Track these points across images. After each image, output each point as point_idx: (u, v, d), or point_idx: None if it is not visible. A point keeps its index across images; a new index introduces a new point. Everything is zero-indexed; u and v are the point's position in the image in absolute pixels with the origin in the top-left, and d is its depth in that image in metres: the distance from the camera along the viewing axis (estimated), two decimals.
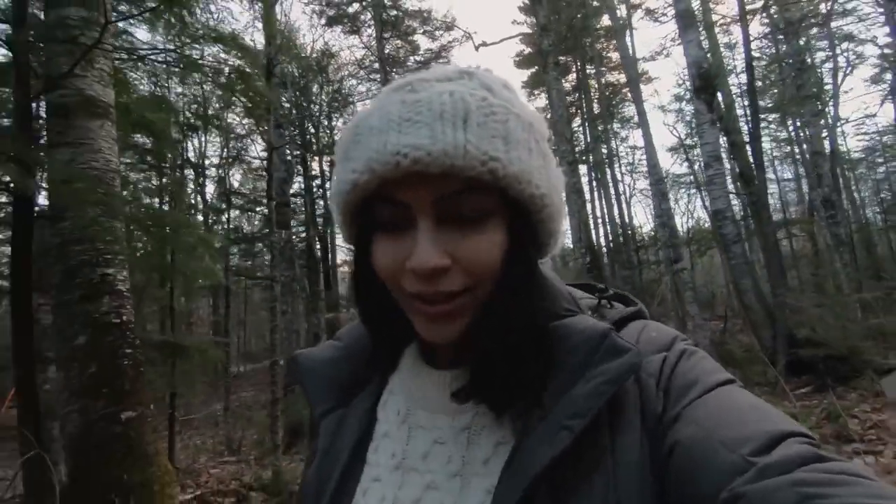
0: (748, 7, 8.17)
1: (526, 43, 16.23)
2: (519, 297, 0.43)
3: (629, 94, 14.46)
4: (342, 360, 0.54)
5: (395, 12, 12.94)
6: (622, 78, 15.37)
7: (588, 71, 16.74)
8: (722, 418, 0.37)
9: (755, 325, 6.37)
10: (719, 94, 7.44)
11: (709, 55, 7.24)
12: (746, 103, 8.73)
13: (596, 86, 16.59)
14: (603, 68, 16.16)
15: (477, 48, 11.42)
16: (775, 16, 10.16)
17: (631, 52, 12.03)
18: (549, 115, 8.12)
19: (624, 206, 15.95)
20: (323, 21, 12.45)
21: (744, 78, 10.30)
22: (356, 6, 12.94)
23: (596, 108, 16.89)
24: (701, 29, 7.45)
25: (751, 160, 7.18)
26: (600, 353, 0.42)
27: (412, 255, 0.40)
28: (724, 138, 7.14)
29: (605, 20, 13.81)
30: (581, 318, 0.46)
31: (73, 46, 2.23)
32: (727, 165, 7.86)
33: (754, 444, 0.34)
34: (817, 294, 7.69)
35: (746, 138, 7.41)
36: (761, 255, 9.65)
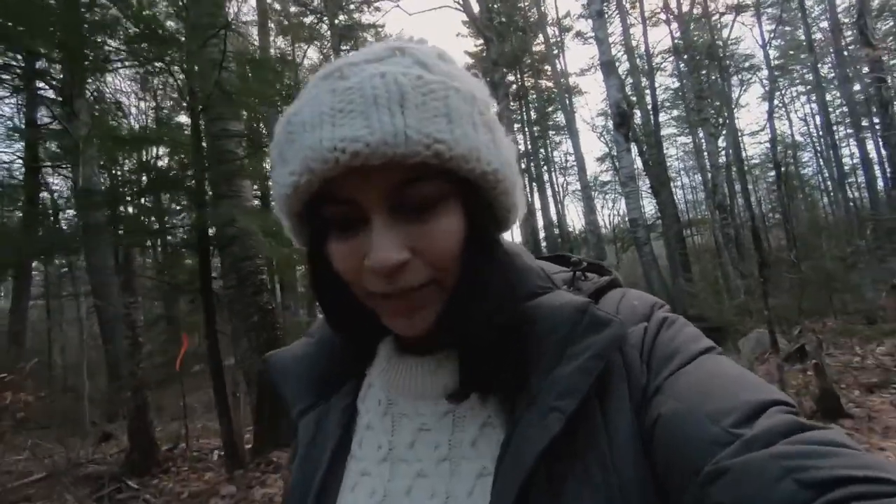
0: (655, 50, 10.47)
1: (475, 60, 17.99)
2: (486, 277, 0.43)
3: (560, 106, 16.80)
4: (316, 356, 0.53)
5: (349, 21, 14.23)
6: (554, 88, 17.74)
7: (525, 81, 18.95)
8: (703, 389, 0.38)
9: None
10: (637, 124, 9.66)
11: (629, 96, 9.41)
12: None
13: (533, 94, 18.80)
14: (540, 81, 18.40)
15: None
16: (682, 59, 12.71)
17: (561, 68, 14.23)
18: None
19: (558, 206, 18.34)
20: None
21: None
22: (312, 18, 14.09)
23: (533, 114, 19.16)
24: (623, 69, 9.63)
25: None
26: (582, 327, 0.41)
27: (370, 254, 0.39)
28: (640, 160, 9.35)
29: (540, 43, 15.97)
30: (557, 293, 0.46)
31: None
32: (640, 183, 10.14)
33: (736, 415, 0.35)
34: (707, 282, 10.20)
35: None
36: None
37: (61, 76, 7.53)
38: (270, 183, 0.46)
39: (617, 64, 9.66)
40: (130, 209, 4.32)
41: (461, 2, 10.06)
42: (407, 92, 0.38)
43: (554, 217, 16.49)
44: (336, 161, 0.37)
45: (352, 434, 0.49)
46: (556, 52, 13.92)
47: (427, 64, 0.41)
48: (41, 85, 8.87)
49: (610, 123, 16.57)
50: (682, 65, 11.47)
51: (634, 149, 9.04)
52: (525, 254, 0.51)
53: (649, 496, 0.38)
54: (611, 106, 8.69)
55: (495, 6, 11.54)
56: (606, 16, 8.82)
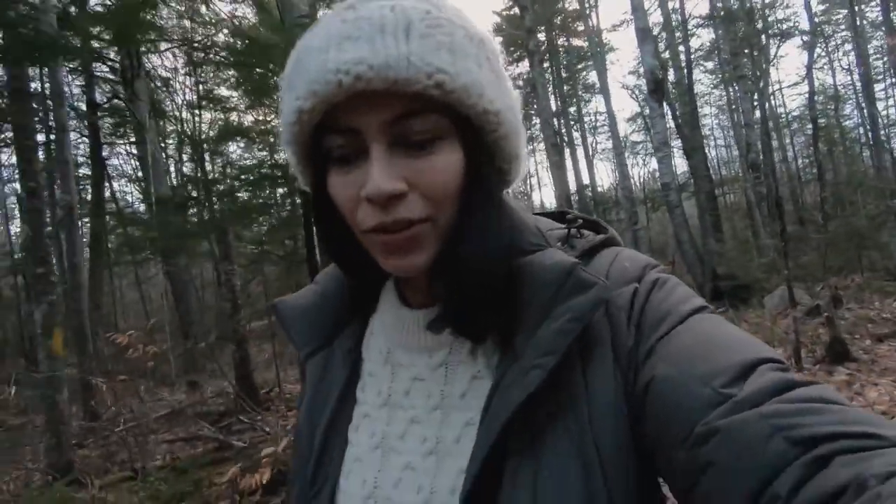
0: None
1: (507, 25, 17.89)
2: (482, 222, 0.43)
3: (592, 64, 16.75)
4: (321, 302, 0.56)
5: None
6: (586, 45, 17.60)
7: (555, 39, 18.77)
8: (694, 351, 0.38)
9: (690, 266, 9.15)
10: (671, 82, 9.90)
11: (664, 59, 9.62)
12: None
13: (562, 52, 18.67)
14: (571, 40, 18.23)
15: None
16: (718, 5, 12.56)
17: (594, 24, 14.20)
18: (535, 105, 10.26)
19: (589, 166, 18.57)
20: None
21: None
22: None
23: (564, 73, 19.07)
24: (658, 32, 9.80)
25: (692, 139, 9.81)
26: (566, 288, 0.42)
27: (366, 183, 0.40)
28: (673, 123, 9.67)
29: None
30: (549, 252, 0.46)
31: None
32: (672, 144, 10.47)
33: (726, 375, 0.36)
34: (735, 242, 10.64)
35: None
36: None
37: (119, 58, 8.23)
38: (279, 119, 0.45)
39: (651, 25, 9.83)
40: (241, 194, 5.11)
41: None
42: (413, 22, 0.39)
43: (585, 178, 16.83)
44: (339, 83, 0.38)
45: (356, 377, 0.52)
46: (587, 9, 13.88)
47: (438, 4, 0.42)
48: (102, 67, 9.61)
49: (642, 83, 16.55)
50: (716, 21, 11.41)
51: (667, 112, 9.36)
52: (522, 210, 0.52)
53: (626, 456, 0.39)
54: (645, 72, 8.97)
55: None
56: None
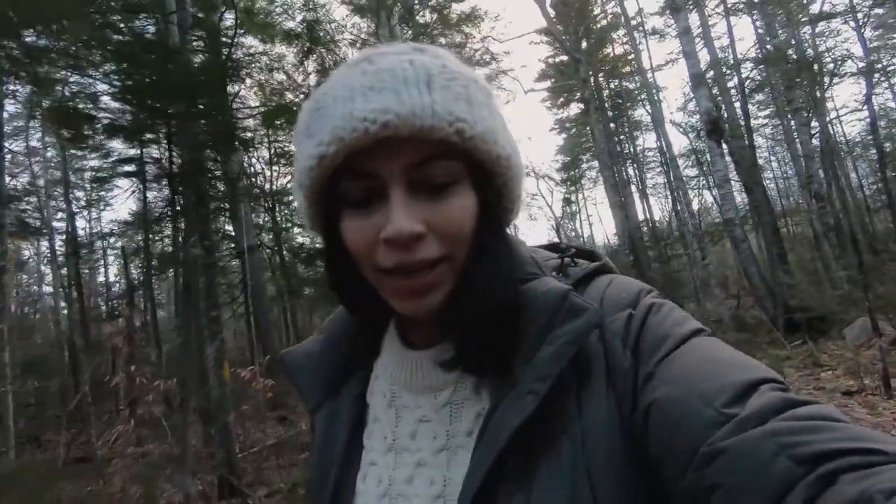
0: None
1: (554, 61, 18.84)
2: (493, 262, 0.45)
3: (640, 97, 17.30)
4: (327, 352, 0.57)
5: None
6: (629, 85, 18.22)
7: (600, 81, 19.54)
8: (695, 372, 0.39)
9: (760, 299, 9.28)
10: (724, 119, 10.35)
11: (718, 101, 10.14)
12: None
13: (606, 92, 19.37)
14: (617, 81, 18.95)
15: (526, 93, 14.15)
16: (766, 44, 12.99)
17: (643, 65, 14.85)
18: (593, 148, 10.85)
19: (643, 202, 18.82)
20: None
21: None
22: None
23: (610, 112, 19.71)
24: (710, 76, 10.35)
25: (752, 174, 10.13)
26: (561, 314, 0.43)
27: (387, 225, 0.41)
28: (732, 162, 10.06)
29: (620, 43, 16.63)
30: (543, 280, 0.48)
31: None
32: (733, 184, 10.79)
33: (727, 395, 0.36)
34: (805, 273, 10.64)
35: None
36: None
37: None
38: (294, 166, 0.47)
39: (702, 66, 10.40)
40: None
41: (549, 29, 11.19)
42: (433, 75, 0.42)
43: (639, 214, 17.07)
44: (366, 131, 0.40)
45: (363, 426, 0.53)
46: (638, 51, 14.61)
47: (447, 60, 0.46)
48: None
49: (692, 119, 16.93)
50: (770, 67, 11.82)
51: (725, 149, 9.77)
52: (519, 242, 0.54)
53: (620, 479, 0.40)
54: (701, 115, 9.48)
55: (578, 26, 12.54)
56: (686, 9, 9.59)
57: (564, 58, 14.53)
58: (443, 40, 16.34)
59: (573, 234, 25.73)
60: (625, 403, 0.41)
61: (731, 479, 0.33)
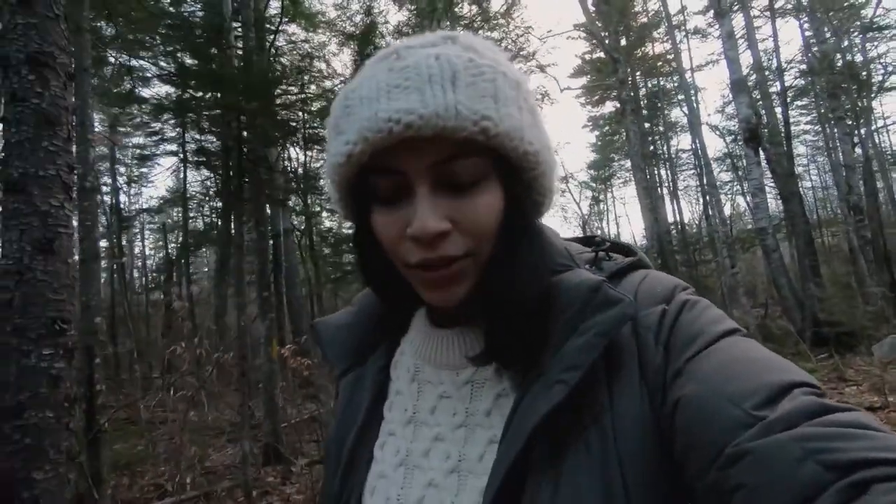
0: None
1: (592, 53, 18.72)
2: (519, 255, 0.46)
3: (677, 98, 17.07)
4: (356, 324, 0.59)
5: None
6: (667, 85, 17.97)
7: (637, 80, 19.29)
8: (725, 372, 0.38)
9: (788, 310, 9.28)
10: (763, 125, 10.29)
11: (757, 107, 10.07)
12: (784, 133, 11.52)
13: (643, 91, 19.13)
14: (656, 80, 18.71)
15: (562, 90, 14.19)
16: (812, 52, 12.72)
17: (689, 62, 14.68)
18: (626, 148, 10.86)
19: (674, 204, 18.66)
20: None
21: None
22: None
23: (644, 112, 19.46)
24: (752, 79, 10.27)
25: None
26: (593, 305, 0.43)
27: (412, 222, 0.42)
28: (767, 167, 10.01)
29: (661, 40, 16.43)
30: (576, 272, 0.48)
31: None
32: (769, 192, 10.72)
33: (759, 397, 0.35)
34: (837, 286, 10.55)
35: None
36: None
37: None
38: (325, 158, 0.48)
39: (745, 71, 10.32)
40: None
41: (588, 27, 11.20)
42: (459, 71, 0.42)
43: (669, 216, 16.90)
44: (390, 131, 0.40)
45: (384, 396, 0.54)
46: (670, 51, 14.45)
47: (478, 50, 0.46)
48: None
49: (730, 123, 16.68)
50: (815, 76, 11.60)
51: (762, 156, 9.73)
52: (552, 234, 0.54)
53: (651, 473, 0.39)
54: (740, 122, 9.45)
55: (618, 23, 12.47)
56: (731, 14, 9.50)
57: (601, 54, 14.46)
58: (482, 34, 16.40)
59: (599, 232, 25.62)
60: (655, 398, 0.41)
61: (756, 480, 0.32)
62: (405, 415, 0.51)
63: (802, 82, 12.99)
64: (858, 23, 11.85)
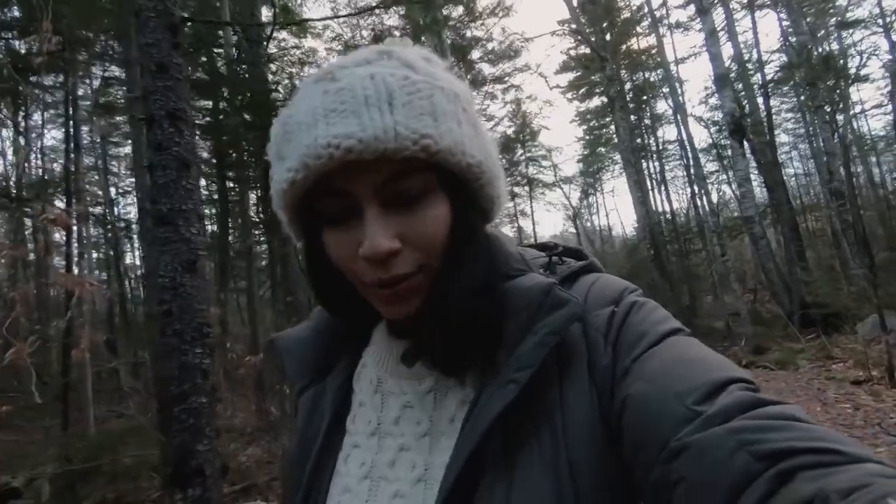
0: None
1: (575, 52, 19.11)
2: (467, 264, 0.47)
3: (662, 90, 17.55)
4: (316, 339, 0.58)
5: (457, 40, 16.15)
6: (652, 76, 18.43)
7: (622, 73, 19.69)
8: (669, 370, 0.40)
9: (777, 294, 9.79)
10: (746, 115, 10.78)
11: (741, 97, 10.54)
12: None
13: (628, 84, 19.56)
14: (639, 74, 19.16)
15: (551, 88, 14.46)
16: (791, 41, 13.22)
17: (673, 55, 15.13)
18: (615, 142, 11.22)
19: (663, 194, 19.15)
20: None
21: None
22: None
23: (630, 103, 19.90)
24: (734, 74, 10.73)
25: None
26: (544, 307, 0.45)
27: (364, 244, 0.43)
28: (754, 161, 10.50)
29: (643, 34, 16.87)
30: (529, 276, 0.49)
31: None
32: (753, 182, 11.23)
33: (698, 393, 0.38)
34: (822, 270, 11.09)
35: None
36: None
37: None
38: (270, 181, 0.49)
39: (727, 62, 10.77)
40: None
41: (577, 27, 11.57)
42: (395, 91, 0.42)
43: (659, 206, 17.29)
44: (330, 157, 0.41)
45: (347, 410, 0.54)
46: (654, 45, 14.89)
47: (413, 65, 0.46)
48: None
49: (714, 114, 17.20)
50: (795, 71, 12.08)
51: (747, 148, 10.20)
52: (507, 240, 0.55)
53: (600, 472, 0.41)
54: (724, 116, 9.92)
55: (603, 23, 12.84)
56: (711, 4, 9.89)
57: (586, 50, 14.83)
58: (468, 33, 16.73)
59: (588, 224, 26.13)
60: (604, 397, 0.43)
61: (695, 472, 0.34)
62: (369, 426, 0.52)
63: (782, 74, 13.51)
64: (834, 17, 12.37)
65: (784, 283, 9.72)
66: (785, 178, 13.46)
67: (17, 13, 8.29)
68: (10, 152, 11.98)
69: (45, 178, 11.29)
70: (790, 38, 12.78)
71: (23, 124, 11.37)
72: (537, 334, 0.44)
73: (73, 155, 5.88)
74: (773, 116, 13.22)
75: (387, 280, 0.44)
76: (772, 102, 13.68)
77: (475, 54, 16.90)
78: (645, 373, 0.41)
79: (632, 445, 0.40)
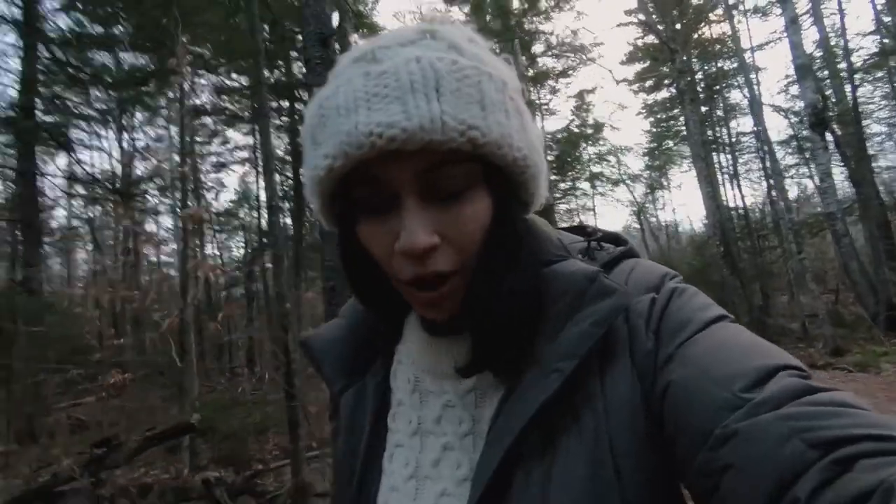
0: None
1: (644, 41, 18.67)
2: (507, 262, 0.45)
3: (737, 81, 16.75)
4: (349, 336, 0.58)
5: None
6: (726, 65, 17.60)
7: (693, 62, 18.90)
8: (714, 356, 0.40)
9: (861, 295, 9.36)
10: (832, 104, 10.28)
11: (825, 85, 10.08)
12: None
13: (700, 74, 18.79)
14: (712, 63, 18.39)
15: (617, 83, 14.36)
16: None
17: (749, 43, 14.44)
18: (684, 135, 10.95)
19: (735, 188, 18.33)
20: None
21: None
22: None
23: (701, 94, 19.09)
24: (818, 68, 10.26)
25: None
26: (588, 295, 0.44)
27: (401, 237, 0.42)
28: (838, 153, 10.04)
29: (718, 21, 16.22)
30: (570, 262, 0.49)
31: None
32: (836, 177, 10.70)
33: (746, 380, 0.37)
34: None
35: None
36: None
37: None
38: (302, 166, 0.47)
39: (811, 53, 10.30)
40: None
41: (645, 18, 11.45)
42: (442, 77, 0.40)
43: (730, 201, 16.61)
44: (372, 146, 0.39)
45: (387, 408, 0.54)
46: (727, 33, 14.29)
47: (459, 47, 0.44)
48: None
49: (794, 103, 16.30)
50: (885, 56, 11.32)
51: (830, 139, 9.77)
52: (544, 224, 0.55)
53: (643, 457, 0.41)
54: (806, 107, 9.56)
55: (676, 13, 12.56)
56: None
57: (654, 39, 14.50)
58: (531, 27, 16.82)
59: (654, 220, 25.45)
60: (646, 383, 0.43)
61: (743, 459, 0.34)
62: (410, 426, 0.52)
63: (874, 60, 12.68)
64: None
65: (869, 283, 9.29)
66: (877, 170, 12.65)
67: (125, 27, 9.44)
68: (115, 151, 13.46)
69: (153, 176, 12.59)
70: (884, 17, 11.97)
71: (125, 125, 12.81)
72: (582, 323, 0.44)
73: (187, 158, 6.76)
74: (864, 105, 12.47)
75: (426, 277, 0.44)
76: (862, 90, 12.87)
77: (538, 48, 16.98)
78: (689, 359, 0.41)
79: (674, 431, 0.40)
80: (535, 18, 16.59)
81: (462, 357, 0.50)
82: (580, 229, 0.59)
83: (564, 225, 0.61)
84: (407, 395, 0.53)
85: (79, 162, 11.46)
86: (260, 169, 14.85)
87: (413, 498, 0.48)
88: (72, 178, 11.80)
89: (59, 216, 15.51)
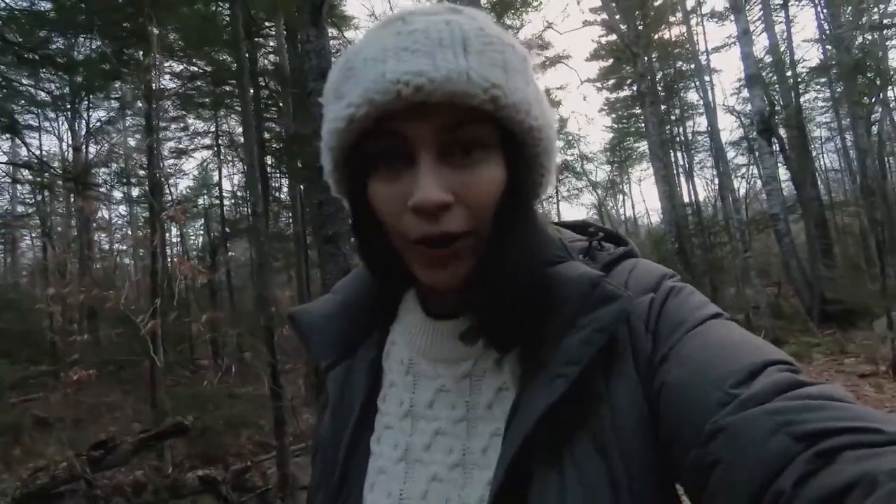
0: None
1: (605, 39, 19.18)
2: (518, 236, 0.46)
3: (693, 81, 17.54)
4: (342, 311, 0.57)
5: None
6: (684, 66, 18.37)
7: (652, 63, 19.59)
8: (706, 355, 0.41)
9: (798, 290, 10.20)
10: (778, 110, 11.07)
11: (773, 91, 10.82)
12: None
13: (659, 75, 19.49)
14: (670, 63, 19.11)
15: (581, 82, 14.70)
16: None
17: (704, 47, 15.12)
18: (644, 133, 11.49)
19: (689, 185, 19.26)
20: None
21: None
22: None
23: (661, 93, 19.81)
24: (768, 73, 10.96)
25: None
26: (592, 300, 0.45)
27: (415, 192, 0.42)
28: (782, 157, 10.82)
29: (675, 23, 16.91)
30: (572, 264, 0.49)
31: None
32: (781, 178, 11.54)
33: (736, 377, 0.38)
34: (847, 267, 11.43)
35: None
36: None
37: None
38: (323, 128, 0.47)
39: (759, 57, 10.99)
40: None
41: (608, 20, 11.86)
42: (470, 38, 0.42)
43: (685, 197, 17.38)
44: (398, 94, 0.40)
45: (378, 388, 0.54)
46: (684, 35, 14.98)
47: (485, 22, 0.46)
48: None
49: (747, 106, 17.23)
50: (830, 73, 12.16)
51: (775, 144, 10.52)
52: (545, 220, 0.54)
53: (649, 455, 0.42)
54: (754, 114, 10.25)
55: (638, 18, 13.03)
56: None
57: (615, 37, 14.98)
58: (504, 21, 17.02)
59: (613, 212, 26.40)
60: (647, 384, 0.44)
61: (731, 454, 0.34)
62: (401, 408, 0.52)
63: (816, 69, 13.60)
64: (874, 14, 12.37)
65: (805, 278, 10.14)
66: (818, 172, 13.60)
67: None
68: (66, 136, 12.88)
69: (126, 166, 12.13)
70: (826, 33, 12.81)
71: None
72: (584, 329, 0.44)
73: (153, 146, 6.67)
74: (807, 109, 13.37)
75: (435, 236, 0.43)
76: (806, 96, 13.80)
77: None
78: (682, 358, 0.42)
79: (669, 429, 0.41)
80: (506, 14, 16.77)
81: (460, 341, 0.50)
82: (581, 227, 0.59)
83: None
84: (400, 377, 0.54)
85: (27, 145, 10.98)
86: (223, 157, 14.62)
87: (403, 481, 0.49)
88: (14, 163, 11.25)
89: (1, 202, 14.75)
